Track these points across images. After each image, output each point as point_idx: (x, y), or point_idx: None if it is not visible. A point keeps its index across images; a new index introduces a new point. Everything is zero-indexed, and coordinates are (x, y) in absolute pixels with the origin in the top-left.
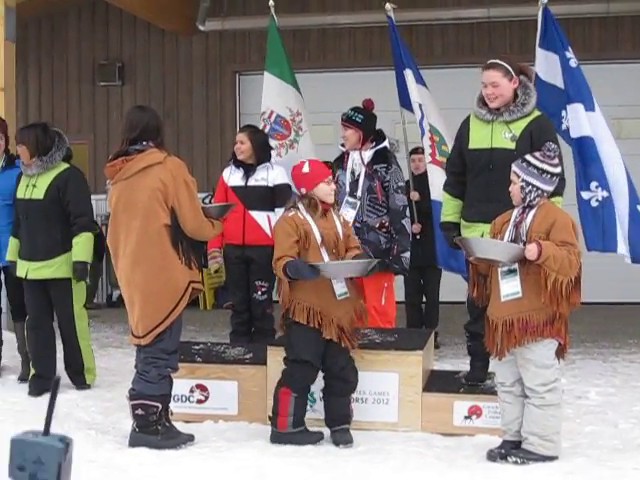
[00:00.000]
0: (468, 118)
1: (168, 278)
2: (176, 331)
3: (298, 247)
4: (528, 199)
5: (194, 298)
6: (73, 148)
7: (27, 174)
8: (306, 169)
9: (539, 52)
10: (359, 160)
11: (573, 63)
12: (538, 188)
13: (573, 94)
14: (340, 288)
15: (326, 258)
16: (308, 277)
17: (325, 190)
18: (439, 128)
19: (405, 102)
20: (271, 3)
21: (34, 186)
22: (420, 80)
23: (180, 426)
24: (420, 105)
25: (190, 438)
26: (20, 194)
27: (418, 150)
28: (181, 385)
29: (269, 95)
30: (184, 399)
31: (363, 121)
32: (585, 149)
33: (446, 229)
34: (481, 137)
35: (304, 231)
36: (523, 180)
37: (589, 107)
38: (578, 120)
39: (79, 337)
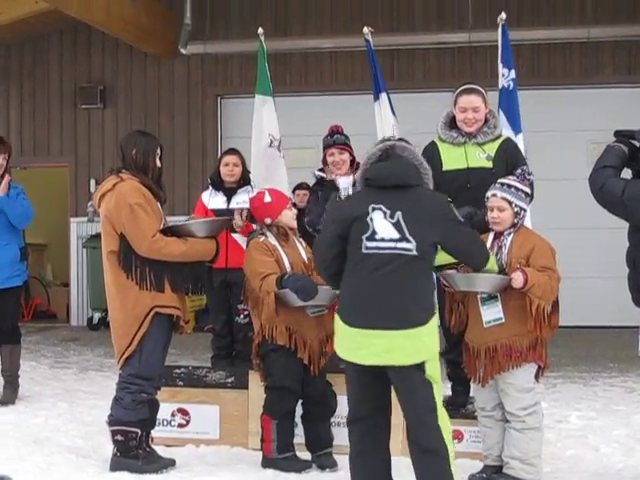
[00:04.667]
0: (433, 143)
1: (121, 305)
2: (149, 357)
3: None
4: (519, 224)
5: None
6: (54, 170)
7: None
8: (268, 199)
9: (500, 67)
10: (346, 184)
11: (511, 84)
12: (525, 211)
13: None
14: (312, 307)
15: None
16: (309, 295)
17: (289, 215)
18: None
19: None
20: (260, 31)
21: None
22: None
23: (161, 450)
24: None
25: (171, 463)
26: None
27: (302, 186)
28: (162, 409)
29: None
30: (165, 423)
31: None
32: None
33: None
34: (455, 158)
35: (276, 257)
36: (516, 205)
37: (517, 130)
38: None
39: None
